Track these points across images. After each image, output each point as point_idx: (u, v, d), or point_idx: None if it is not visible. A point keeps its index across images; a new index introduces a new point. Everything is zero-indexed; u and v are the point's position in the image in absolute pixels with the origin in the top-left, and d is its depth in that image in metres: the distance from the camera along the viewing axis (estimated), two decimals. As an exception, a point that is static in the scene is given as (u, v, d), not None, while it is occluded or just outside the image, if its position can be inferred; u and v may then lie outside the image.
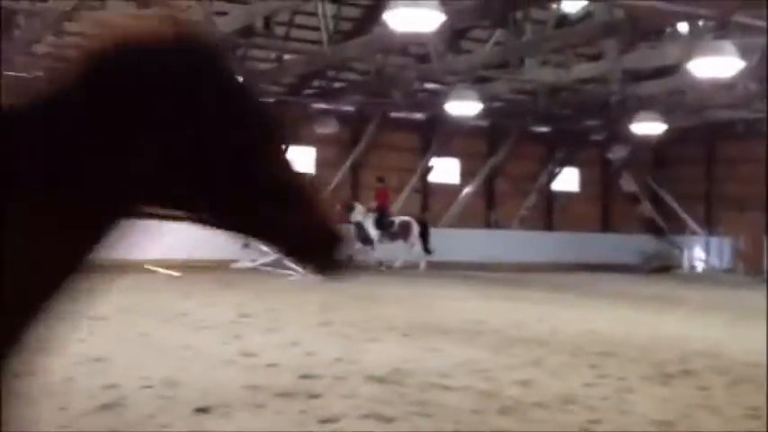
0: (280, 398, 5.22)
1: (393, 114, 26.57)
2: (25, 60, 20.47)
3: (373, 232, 19.76)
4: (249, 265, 19.07)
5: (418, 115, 27.20)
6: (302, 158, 26.85)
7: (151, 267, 17.43)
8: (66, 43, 19.83)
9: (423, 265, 20.37)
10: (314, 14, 17.35)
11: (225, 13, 16.20)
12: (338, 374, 6.06)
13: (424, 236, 20.79)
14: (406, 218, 20.96)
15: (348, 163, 27.02)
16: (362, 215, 19.90)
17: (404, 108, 24.95)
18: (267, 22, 17.08)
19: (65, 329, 1.88)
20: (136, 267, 17.22)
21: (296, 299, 12.15)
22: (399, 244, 20.49)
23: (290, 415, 4.82)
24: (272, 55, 20.25)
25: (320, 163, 27.07)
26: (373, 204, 20.48)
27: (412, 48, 20.06)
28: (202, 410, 4.80)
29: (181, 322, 8.99)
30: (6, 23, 19.40)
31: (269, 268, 17.92)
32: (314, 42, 18.69)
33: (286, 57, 20.00)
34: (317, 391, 5.43)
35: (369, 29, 18.66)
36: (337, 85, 23.96)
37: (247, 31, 16.96)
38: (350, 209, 19.83)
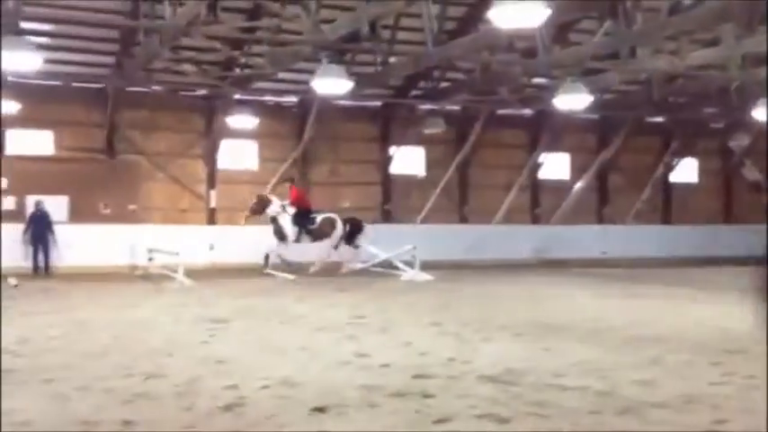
0: (394, 398, 5.27)
1: (500, 111, 26.32)
2: (145, 75, 21.52)
3: (290, 230, 18.01)
4: (360, 266, 19.31)
5: (526, 111, 26.82)
6: (412, 159, 27.02)
7: (267, 270, 17.95)
8: (181, 58, 20.72)
9: (344, 268, 18.37)
10: (418, 16, 17.40)
11: (332, 21, 16.47)
12: (452, 374, 6.07)
13: (351, 237, 18.76)
14: (332, 215, 18.81)
15: (456, 162, 26.96)
16: (278, 211, 18.14)
17: (511, 104, 24.64)
18: (373, 26, 17.27)
19: None
20: (253, 271, 17.84)
21: (407, 299, 12.24)
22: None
23: (405, 415, 4.86)
24: (379, 58, 20.45)
25: (429, 163, 27.16)
26: (287, 201, 18.45)
27: (517, 43, 19.82)
28: (319, 410, 4.92)
29: (297, 324, 9.21)
30: (127, 41, 20.46)
31: (379, 269, 18.12)
32: (419, 44, 18.77)
33: (392, 59, 20.16)
34: (431, 390, 5.45)
35: (473, 27, 18.56)
36: (443, 84, 23.96)
37: (354, 37, 17.19)
38: (265, 203, 18.21)
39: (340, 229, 18.43)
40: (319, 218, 18.38)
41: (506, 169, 27.63)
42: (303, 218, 18.05)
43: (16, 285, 14.72)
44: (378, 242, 19.23)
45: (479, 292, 13.65)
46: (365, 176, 26.24)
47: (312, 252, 18.42)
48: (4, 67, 15.48)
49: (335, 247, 18.55)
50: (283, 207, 18.08)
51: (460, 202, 27.34)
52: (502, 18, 12.24)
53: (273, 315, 10.06)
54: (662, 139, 28.89)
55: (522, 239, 24.45)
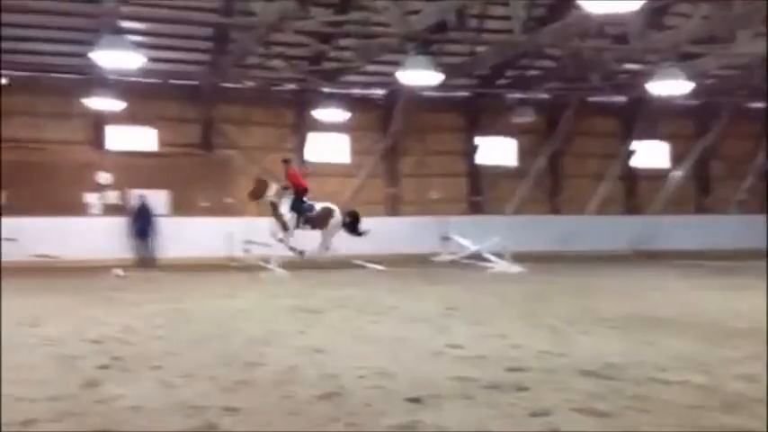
0: (489, 390, 5.26)
1: (591, 99, 25.77)
2: (238, 72, 22.07)
3: (288, 217, 17.48)
4: (449, 258, 19.30)
5: (618, 98, 26.16)
6: (502, 149, 26.78)
7: (359, 262, 18.18)
8: (273, 53, 21.14)
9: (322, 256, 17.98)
10: (506, 4, 17.21)
11: (417, 12, 16.47)
12: (547, 367, 6.00)
13: (353, 228, 18.33)
14: (330, 204, 18.40)
15: (547, 151, 26.56)
16: (277, 195, 17.54)
17: (603, 92, 24.09)
18: (460, 15, 17.19)
19: None
20: (345, 263, 18.08)
21: (499, 291, 12.16)
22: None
23: (500, 407, 4.84)
24: (466, 48, 20.33)
25: (519, 153, 26.84)
26: (287, 184, 17.80)
27: (609, 28, 19.34)
28: (414, 400, 4.95)
29: (390, 315, 9.29)
30: (221, 38, 21.01)
31: (469, 261, 18.06)
32: (507, 32, 18.55)
33: (479, 49, 20.00)
34: (526, 383, 5.41)
35: (563, 14, 18.22)
36: (532, 73, 23.62)
37: (441, 27, 17.15)
38: (263, 187, 17.67)
39: (338, 218, 18.07)
40: (318, 206, 18.01)
41: (599, 158, 27.04)
42: (301, 202, 17.54)
43: (123, 276, 15.41)
44: (467, 234, 19.16)
45: (573, 284, 13.42)
46: (452, 168, 26.17)
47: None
48: (105, 65, 16.18)
49: (329, 237, 18.12)
50: (284, 189, 17.56)
51: (551, 192, 26.95)
52: (594, 3, 11.96)
53: (366, 306, 10.17)
54: (765, 125, 27.66)
55: (618, 230, 23.87)
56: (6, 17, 19.38)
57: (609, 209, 26.58)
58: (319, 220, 17.81)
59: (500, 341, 7.28)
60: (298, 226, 17.57)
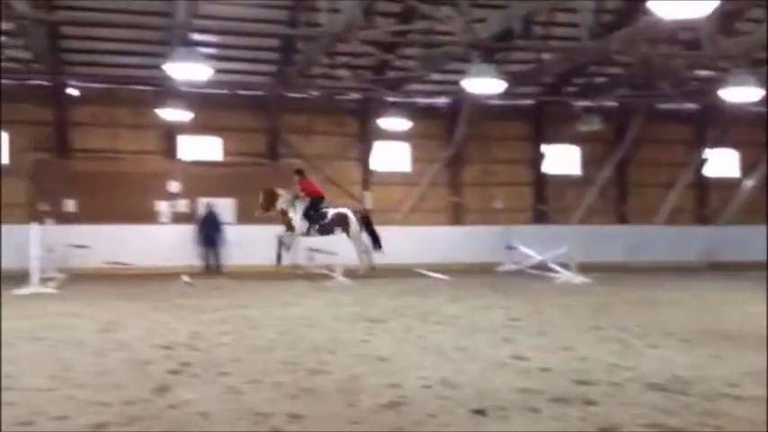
0: (555, 403, 5.19)
1: (661, 106, 25.24)
2: (303, 82, 22.35)
3: (299, 223, 17.63)
4: (514, 267, 19.11)
5: (689, 105, 25.55)
6: (566, 158, 26.44)
7: (421, 271, 18.16)
8: (336, 63, 21.36)
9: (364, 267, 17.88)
10: (573, 11, 17.01)
11: (483, 20, 16.41)
12: (615, 381, 5.89)
13: (371, 231, 18.22)
14: (343, 210, 18.27)
15: (614, 160, 26.10)
16: (287, 202, 17.74)
17: (672, 99, 23.56)
18: (526, 23, 17.06)
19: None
20: (407, 271, 18.09)
21: (564, 302, 11.98)
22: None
23: (568, 421, 4.77)
24: (531, 56, 20.15)
25: (585, 161, 26.44)
26: (299, 191, 17.94)
27: (680, 34, 18.92)
28: (479, 412, 4.92)
29: (453, 325, 9.25)
30: (286, 49, 21.32)
31: (534, 270, 17.86)
32: (574, 39, 18.31)
33: (545, 56, 19.80)
34: (594, 397, 5.32)
35: (632, 20, 17.90)
36: (599, 80, 23.27)
37: (506, 35, 17.04)
38: (272, 198, 17.78)
39: (354, 223, 18.00)
40: (331, 212, 18.05)
41: (668, 167, 26.45)
42: (314, 211, 17.73)
43: (190, 283, 15.73)
44: (531, 243, 18.96)
45: (641, 296, 13.13)
46: (517, 176, 25.95)
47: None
48: (177, 77, 16.61)
49: (359, 241, 18.11)
50: (295, 198, 17.78)
51: (619, 201, 26.48)
52: (664, 9, 11.70)
53: (428, 315, 10.15)
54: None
55: (688, 241, 23.21)
56: (86, 31, 20.14)
57: (678, 219, 25.94)
58: (333, 227, 17.90)
59: (566, 353, 7.18)
60: (308, 233, 17.79)
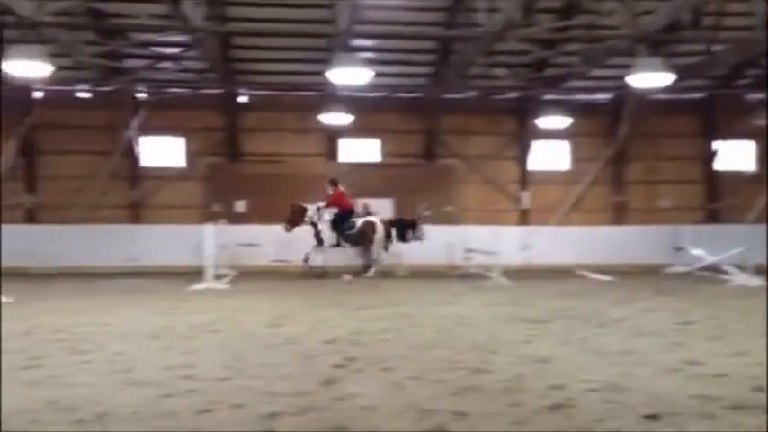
0: (733, 410, 4.90)
1: None
2: (461, 82, 22.37)
3: (327, 235, 17.60)
4: (684, 269, 18.21)
5: None
6: (739, 154, 24.85)
7: (581, 272, 17.69)
8: (494, 62, 21.20)
9: (371, 272, 17.64)
10: (746, 0, 15.97)
11: (649, 12, 15.76)
12: (799, 390, 5.48)
13: (403, 235, 18.22)
14: (371, 218, 18.12)
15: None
16: (315, 215, 17.64)
17: None
18: (695, 13, 16.22)
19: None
20: (567, 272, 17.67)
21: (740, 305, 11.26)
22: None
23: (747, 429, 4.49)
24: (701, 48, 19.13)
25: (761, 157, 24.75)
26: (322, 204, 17.81)
27: None
28: (651, 417, 4.73)
29: (617, 327, 8.94)
30: (444, 50, 21.43)
31: (704, 272, 16.92)
32: (747, 29, 17.20)
33: (716, 47, 18.73)
34: (777, 406, 4.98)
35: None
36: (776, 71, 21.70)
37: (674, 27, 16.27)
38: (300, 213, 17.67)
39: (381, 232, 17.87)
40: (359, 222, 17.91)
41: None
42: (342, 222, 17.71)
43: (350, 281, 16.18)
44: (704, 244, 17.97)
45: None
46: (686, 174, 24.69)
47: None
48: (338, 82, 17.12)
49: (385, 249, 18.11)
50: (318, 210, 17.70)
51: (799, 199, 24.52)
52: None
53: (591, 317, 9.87)
54: None
55: None
56: (255, 41, 21.21)
57: None
58: (361, 236, 17.91)
59: (742, 359, 6.76)
60: (338, 244, 17.86)
